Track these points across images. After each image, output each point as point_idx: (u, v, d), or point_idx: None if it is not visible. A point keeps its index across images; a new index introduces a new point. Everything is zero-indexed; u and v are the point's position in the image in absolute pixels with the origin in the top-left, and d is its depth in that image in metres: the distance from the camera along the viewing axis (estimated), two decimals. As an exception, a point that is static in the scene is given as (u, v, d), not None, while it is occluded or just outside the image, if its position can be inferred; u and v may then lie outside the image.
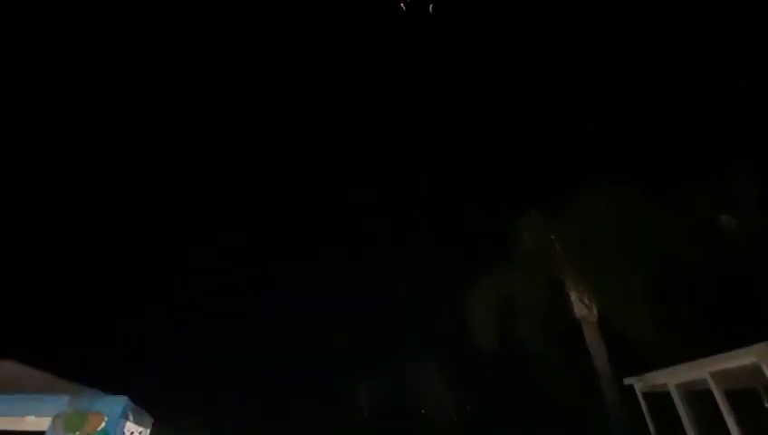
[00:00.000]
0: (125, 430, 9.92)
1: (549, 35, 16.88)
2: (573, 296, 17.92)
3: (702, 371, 12.45)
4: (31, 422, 10.29)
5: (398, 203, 19.17)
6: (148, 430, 11.83)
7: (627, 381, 15.47)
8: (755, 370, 11.13)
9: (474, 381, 19.50)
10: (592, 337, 17.40)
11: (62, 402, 9.61)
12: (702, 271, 15.76)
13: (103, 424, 9.42)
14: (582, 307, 17.68)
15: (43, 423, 9.68)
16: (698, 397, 13.80)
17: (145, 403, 11.18)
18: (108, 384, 11.45)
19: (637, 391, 15.05)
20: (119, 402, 9.82)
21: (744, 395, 12.86)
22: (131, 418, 10.22)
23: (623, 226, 17.16)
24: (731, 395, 12.34)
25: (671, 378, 13.93)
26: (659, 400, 14.65)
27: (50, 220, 18.17)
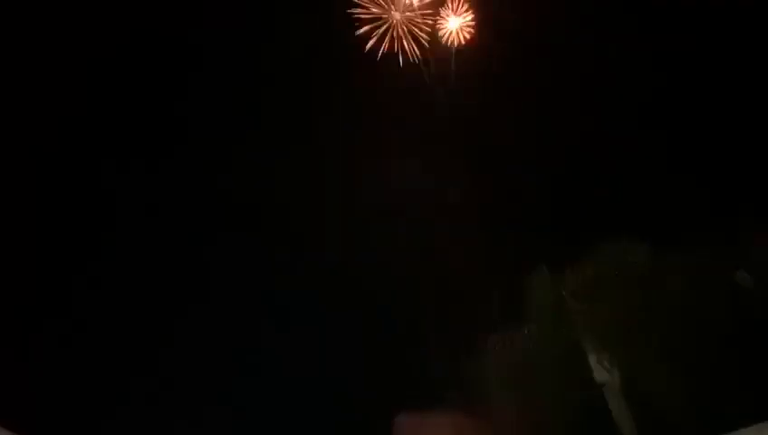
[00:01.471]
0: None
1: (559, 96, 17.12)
2: (592, 359, 16.67)
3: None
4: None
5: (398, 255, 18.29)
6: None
7: (660, 455, 13.90)
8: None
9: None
10: (616, 404, 15.93)
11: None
12: (729, 332, 14.94)
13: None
14: (603, 372, 16.38)
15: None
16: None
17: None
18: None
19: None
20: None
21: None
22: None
23: (640, 282, 16.48)
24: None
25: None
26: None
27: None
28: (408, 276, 18.24)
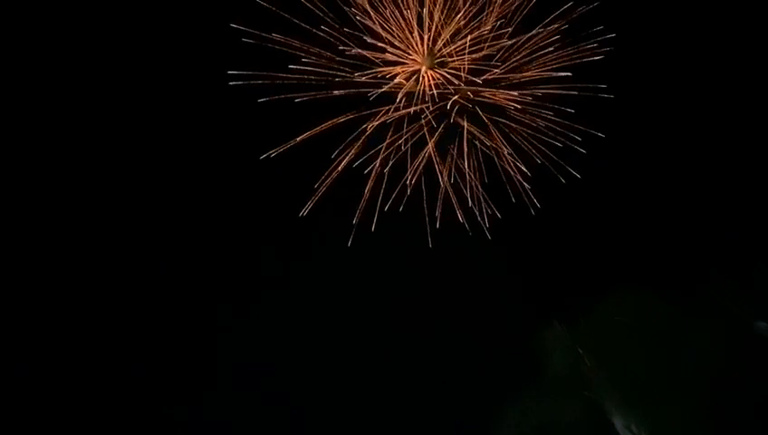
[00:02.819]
0: None
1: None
2: (618, 423, 15.34)
3: None
4: None
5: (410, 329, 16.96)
6: None
7: None
8: None
9: None
10: (649, 474, 14.59)
11: None
12: (758, 389, 13.84)
13: None
14: (631, 437, 15.07)
15: None
16: None
17: None
18: None
19: None
20: None
21: None
22: None
23: (659, 335, 15.31)
24: None
25: None
26: None
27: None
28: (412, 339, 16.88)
